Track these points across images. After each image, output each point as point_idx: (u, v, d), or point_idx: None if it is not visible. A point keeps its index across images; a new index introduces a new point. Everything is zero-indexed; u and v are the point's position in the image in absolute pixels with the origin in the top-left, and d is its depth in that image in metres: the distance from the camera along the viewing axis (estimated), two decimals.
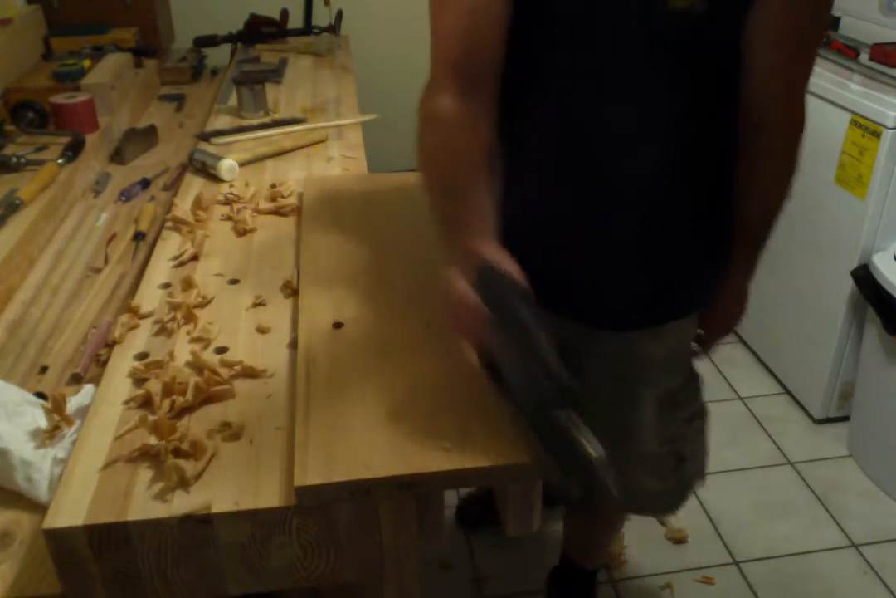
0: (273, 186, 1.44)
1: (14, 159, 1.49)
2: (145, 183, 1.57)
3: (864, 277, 1.85)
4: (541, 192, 1.00)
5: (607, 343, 1.07)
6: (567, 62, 0.92)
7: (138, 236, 1.36)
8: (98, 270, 1.28)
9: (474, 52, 0.88)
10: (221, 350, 0.99)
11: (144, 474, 0.81)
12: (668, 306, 1.06)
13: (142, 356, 0.98)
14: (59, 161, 1.50)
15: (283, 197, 1.39)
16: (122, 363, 0.97)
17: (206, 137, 1.70)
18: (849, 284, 1.92)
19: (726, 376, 2.34)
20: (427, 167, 0.92)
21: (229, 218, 1.32)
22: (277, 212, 1.33)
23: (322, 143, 1.67)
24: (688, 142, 0.94)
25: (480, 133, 0.90)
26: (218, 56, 2.42)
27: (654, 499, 1.28)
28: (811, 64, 0.97)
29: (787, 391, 2.28)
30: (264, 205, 1.35)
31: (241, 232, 1.27)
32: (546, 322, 0.77)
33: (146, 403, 0.90)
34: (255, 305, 1.07)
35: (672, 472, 1.24)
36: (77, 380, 1.02)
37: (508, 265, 0.83)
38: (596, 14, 0.88)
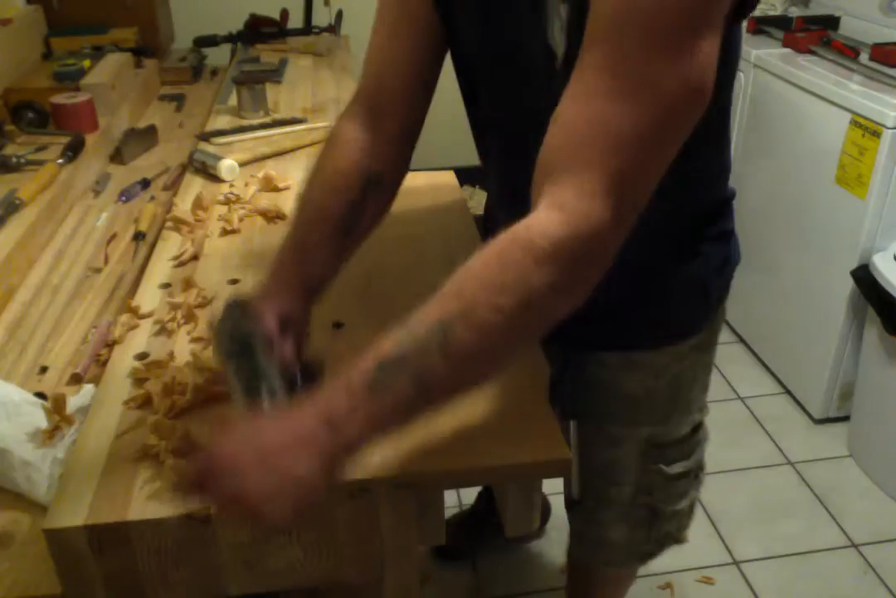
0: (268, 177, 1.44)
1: (14, 159, 1.49)
2: (145, 183, 1.57)
3: (864, 277, 1.85)
4: None
5: (583, 368, 1.04)
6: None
7: (138, 236, 1.36)
8: (98, 270, 1.27)
9: (381, 87, 0.93)
10: None
11: (144, 474, 0.81)
12: (612, 328, 1.00)
13: (142, 356, 0.98)
14: (59, 161, 1.50)
15: (279, 189, 1.38)
16: (122, 363, 0.97)
17: (206, 137, 1.69)
18: (849, 284, 1.92)
19: (726, 376, 2.34)
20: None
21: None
22: (277, 216, 1.32)
23: (322, 143, 1.67)
24: None
25: (361, 162, 0.92)
26: (218, 56, 2.42)
27: (618, 550, 1.20)
28: None
29: (787, 391, 2.28)
30: (262, 201, 1.35)
31: (224, 232, 1.27)
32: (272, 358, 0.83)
33: (146, 403, 0.89)
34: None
35: (644, 525, 1.16)
36: (77, 380, 1.02)
37: (259, 310, 0.85)
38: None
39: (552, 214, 0.67)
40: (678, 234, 0.96)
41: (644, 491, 1.13)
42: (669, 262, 0.97)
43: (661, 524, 1.17)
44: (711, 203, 0.99)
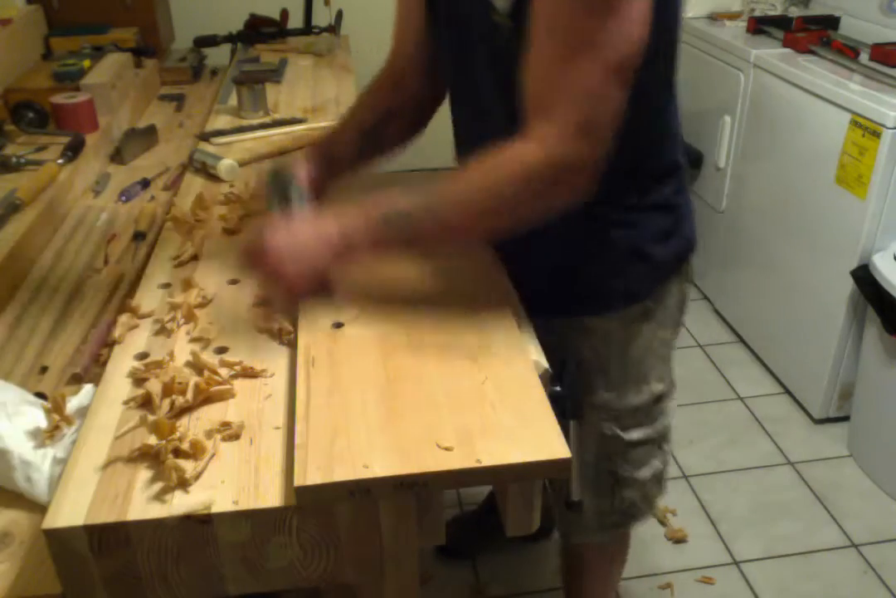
0: None
1: (14, 159, 1.49)
2: (145, 183, 1.57)
3: (864, 277, 1.86)
4: None
5: (551, 335, 1.07)
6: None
7: (138, 236, 1.36)
8: (98, 270, 1.27)
9: (401, 53, 1.17)
10: (221, 350, 0.98)
11: (144, 474, 0.81)
12: (559, 294, 1.10)
13: (142, 356, 0.98)
14: (59, 161, 1.50)
15: None
16: (122, 363, 0.97)
17: (206, 137, 1.69)
18: (849, 284, 1.92)
19: (726, 376, 2.35)
20: None
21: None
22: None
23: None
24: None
25: (384, 96, 1.18)
26: (218, 56, 2.42)
27: (587, 518, 1.23)
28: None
29: (787, 391, 2.28)
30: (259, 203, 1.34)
31: (224, 232, 1.27)
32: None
33: (146, 403, 0.89)
34: (255, 305, 1.07)
35: (607, 492, 1.21)
36: (77, 380, 1.02)
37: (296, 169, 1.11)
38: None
39: (535, 145, 0.87)
40: (606, 197, 1.00)
41: (604, 457, 1.17)
42: (598, 226, 1.07)
43: (624, 490, 1.21)
44: (647, 171, 1.04)
